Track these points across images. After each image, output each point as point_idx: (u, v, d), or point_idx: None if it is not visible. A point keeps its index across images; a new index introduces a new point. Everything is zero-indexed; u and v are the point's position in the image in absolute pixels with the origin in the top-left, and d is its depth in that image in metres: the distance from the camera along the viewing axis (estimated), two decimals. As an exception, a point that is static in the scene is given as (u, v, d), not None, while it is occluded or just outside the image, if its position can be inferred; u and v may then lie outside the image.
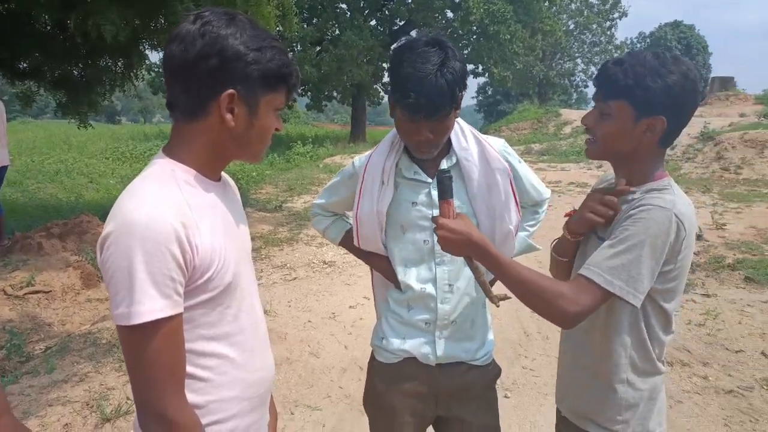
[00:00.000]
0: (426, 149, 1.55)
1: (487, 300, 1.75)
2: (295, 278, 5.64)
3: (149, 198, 0.99)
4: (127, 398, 3.21)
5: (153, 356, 0.97)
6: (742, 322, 4.42)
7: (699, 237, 6.37)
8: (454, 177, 1.59)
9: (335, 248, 6.56)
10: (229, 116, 1.06)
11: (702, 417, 3.18)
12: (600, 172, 13.91)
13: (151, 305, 0.95)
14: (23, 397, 3.23)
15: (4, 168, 5.93)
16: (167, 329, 0.98)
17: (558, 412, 1.61)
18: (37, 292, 4.69)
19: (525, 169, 1.75)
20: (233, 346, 1.13)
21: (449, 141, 1.64)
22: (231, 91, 1.04)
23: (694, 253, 1.36)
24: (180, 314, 1.00)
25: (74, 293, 4.91)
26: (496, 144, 1.69)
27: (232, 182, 1.30)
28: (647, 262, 1.23)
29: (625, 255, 1.23)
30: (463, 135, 1.66)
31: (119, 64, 7.61)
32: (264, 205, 9.29)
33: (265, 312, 4.56)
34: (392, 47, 1.58)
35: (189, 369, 1.06)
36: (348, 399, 3.36)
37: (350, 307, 4.84)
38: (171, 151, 1.11)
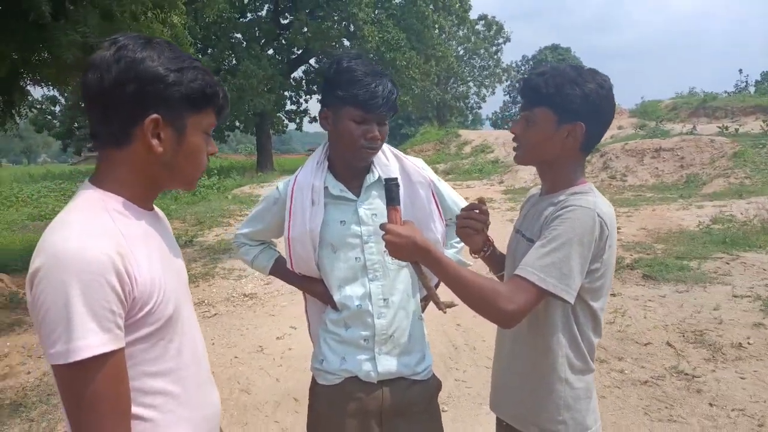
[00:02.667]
0: (372, 150, 1.59)
1: (422, 314, 1.80)
2: (215, 314, 5.41)
3: (80, 228, 0.93)
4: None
5: (96, 395, 0.90)
6: (646, 317, 4.81)
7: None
8: (377, 194, 1.65)
9: (256, 280, 6.39)
10: (155, 142, 1.02)
11: (624, 409, 3.40)
12: (503, 187, 14.71)
13: (91, 340, 0.88)
14: None
15: None
16: (110, 365, 0.91)
17: (498, 419, 1.63)
18: None
19: (445, 187, 1.83)
20: (178, 383, 1.07)
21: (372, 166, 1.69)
22: (155, 115, 1.00)
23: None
24: (122, 349, 0.94)
25: (-37, 354, 4.39)
26: (415, 161, 1.78)
27: (162, 213, 1.25)
28: (576, 259, 1.29)
29: (555, 253, 1.29)
30: (383, 152, 1.73)
31: (-1, 102, 7.02)
32: (172, 241, 8.85)
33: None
34: (331, 62, 1.64)
35: (133, 409, 0.99)
36: (286, 433, 3.26)
37: (277, 338, 4.71)
38: (98, 182, 1.05)
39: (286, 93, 24.71)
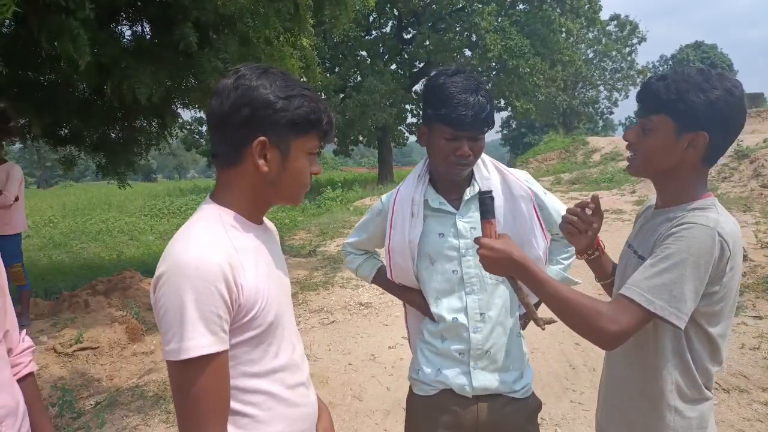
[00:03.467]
0: (464, 166, 1.59)
1: (523, 332, 1.75)
2: (333, 321, 5.65)
3: (198, 240, 1.06)
4: (176, 450, 3.23)
5: (199, 391, 1.01)
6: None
7: (744, 257, 6.16)
8: (475, 207, 1.64)
9: (371, 289, 6.57)
10: (261, 162, 1.13)
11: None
12: (634, 198, 13.70)
13: (199, 341, 1.00)
14: (76, 454, 3.28)
15: (19, 234, 5.53)
16: (214, 365, 1.02)
17: None
18: (85, 348, 4.81)
19: (551, 199, 1.78)
20: (276, 383, 1.17)
21: (472, 172, 1.68)
22: (262, 138, 1.12)
23: (741, 275, 1.33)
24: (226, 351, 1.05)
25: (120, 348, 5.02)
26: (518, 174, 1.74)
27: (272, 227, 1.37)
28: (690, 281, 1.19)
29: (667, 274, 1.20)
30: (485, 165, 1.73)
31: (154, 124, 7.95)
32: (298, 250, 9.41)
33: (306, 356, 4.57)
34: (427, 79, 1.66)
35: (234, 405, 1.10)
36: (394, 441, 3.31)
37: (390, 347, 4.81)
38: (216, 197, 1.18)
39: (407, 106, 25.16)
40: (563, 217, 1.53)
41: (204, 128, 25.86)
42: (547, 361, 4.33)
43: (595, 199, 1.51)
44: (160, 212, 17.16)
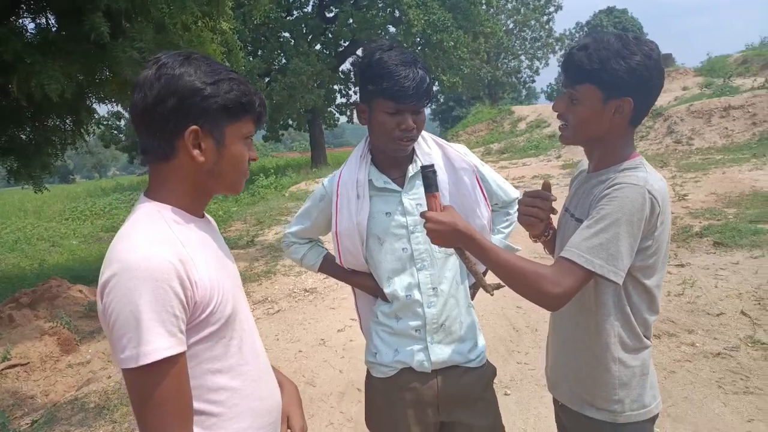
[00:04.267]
0: (409, 141, 1.58)
1: (472, 301, 1.79)
2: (278, 311, 5.57)
3: (143, 239, 1.00)
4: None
5: (162, 396, 0.97)
6: (718, 286, 4.57)
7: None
8: (419, 183, 1.64)
9: (315, 275, 6.52)
10: (197, 152, 1.08)
11: (696, 383, 3.25)
12: (560, 162, 14.25)
13: (158, 344, 0.95)
14: (15, 477, 3.10)
15: None
16: (176, 368, 0.98)
17: (555, 400, 1.62)
18: (14, 365, 4.52)
19: (489, 171, 1.80)
20: (240, 377, 1.14)
21: (413, 149, 1.68)
22: (194, 127, 1.06)
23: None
24: (184, 352, 1.01)
25: (53, 361, 4.75)
26: (458, 148, 1.76)
27: (211, 218, 1.31)
28: (625, 239, 1.25)
29: (603, 234, 1.25)
30: (425, 141, 1.73)
31: (68, 122, 7.46)
32: (235, 242, 9.19)
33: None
34: (361, 57, 1.63)
35: (199, 405, 1.06)
36: (351, 423, 3.33)
37: (339, 330, 4.81)
38: (152, 194, 1.12)
39: (335, 87, 24.90)
40: (521, 208, 1.54)
41: (123, 123, 24.63)
42: (492, 326, 4.47)
43: (548, 186, 1.53)
44: (83, 215, 16.28)
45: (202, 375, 1.07)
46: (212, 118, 1.08)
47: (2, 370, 4.45)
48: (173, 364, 0.98)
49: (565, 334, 1.52)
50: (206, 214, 1.26)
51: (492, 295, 1.46)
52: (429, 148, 1.71)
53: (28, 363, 4.61)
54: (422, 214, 1.39)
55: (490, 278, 1.46)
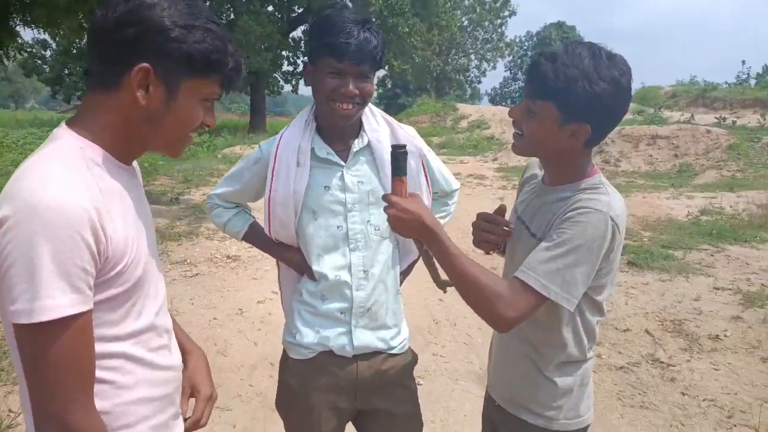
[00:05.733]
0: (347, 108, 1.49)
1: (400, 288, 1.75)
2: (196, 274, 5.36)
3: (56, 177, 0.87)
4: (10, 411, 2.88)
5: (59, 359, 0.86)
6: (627, 303, 4.83)
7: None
8: (366, 159, 1.58)
9: (240, 242, 6.32)
10: (141, 93, 0.96)
11: (599, 393, 3.41)
12: (496, 165, 14.63)
13: (60, 300, 0.84)
14: None
15: None
16: (77, 327, 0.87)
17: (489, 399, 1.62)
18: None
19: (433, 158, 1.76)
20: (138, 345, 1.03)
21: (360, 123, 1.61)
22: (145, 65, 0.94)
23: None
24: (90, 311, 0.89)
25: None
26: (407, 129, 1.69)
27: (137, 168, 1.19)
28: (583, 266, 1.22)
29: (561, 259, 1.21)
30: (374, 117, 1.65)
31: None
32: (158, 197, 8.75)
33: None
34: (315, 15, 1.55)
35: None
36: (260, 397, 3.25)
37: (258, 302, 4.68)
38: (78, 125, 0.99)
39: (283, 53, 24.24)
40: (477, 234, 1.50)
41: (48, 53, 22.81)
42: (412, 315, 4.49)
43: (503, 210, 1.50)
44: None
45: (97, 339, 0.95)
46: (169, 65, 0.96)
47: None
48: (75, 323, 0.86)
49: (508, 340, 1.50)
50: (134, 164, 1.14)
51: (445, 292, 1.42)
52: (378, 124, 1.63)
53: None
54: (385, 197, 1.31)
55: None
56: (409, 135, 1.67)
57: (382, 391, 1.66)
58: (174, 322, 1.33)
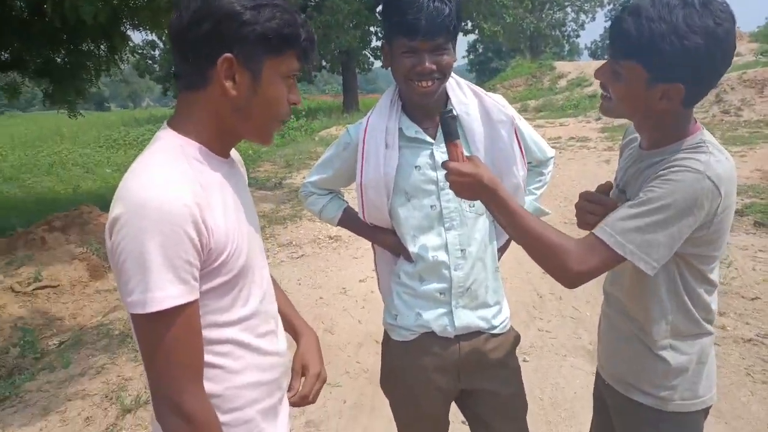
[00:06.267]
0: (428, 86, 1.44)
1: (498, 265, 1.69)
2: (302, 255, 5.60)
3: (160, 176, 0.93)
4: (145, 388, 3.20)
5: (170, 345, 0.93)
6: (755, 269, 4.39)
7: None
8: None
9: (339, 222, 6.51)
10: (229, 83, 0.99)
11: (723, 368, 3.16)
12: (600, 125, 13.78)
13: (168, 291, 0.90)
14: (42, 394, 3.23)
15: None
16: (185, 316, 0.93)
17: (599, 378, 1.55)
18: (45, 287, 4.66)
19: (526, 126, 1.68)
20: (246, 331, 1.09)
21: (446, 96, 1.56)
22: (228, 55, 0.97)
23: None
24: (197, 300, 0.96)
25: (82, 285, 4.88)
26: (496, 98, 1.62)
27: (239, 159, 1.24)
28: (669, 229, 1.12)
29: (643, 218, 1.12)
30: (461, 89, 1.58)
31: (102, 47, 7.43)
32: (263, 183, 9.21)
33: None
34: None
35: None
36: (367, 373, 3.36)
37: (360, 281, 4.81)
38: (176, 125, 1.04)
39: (371, 29, 24.24)
40: (581, 215, 1.40)
41: (157, 53, 24.47)
42: (515, 290, 4.41)
43: (609, 186, 1.40)
44: (116, 143, 16.51)
45: (207, 326, 1.02)
46: (249, 49, 0.98)
47: (33, 290, 4.59)
48: (184, 312, 0.93)
49: (615, 317, 1.43)
50: (234, 154, 1.19)
51: None
52: (465, 96, 1.57)
53: (58, 285, 4.75)
54: (444, 164, 1.28)
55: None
56: (498, 104, 1.59)
57: (485, 372, 1.64)
58: (290, 304, 1.42)
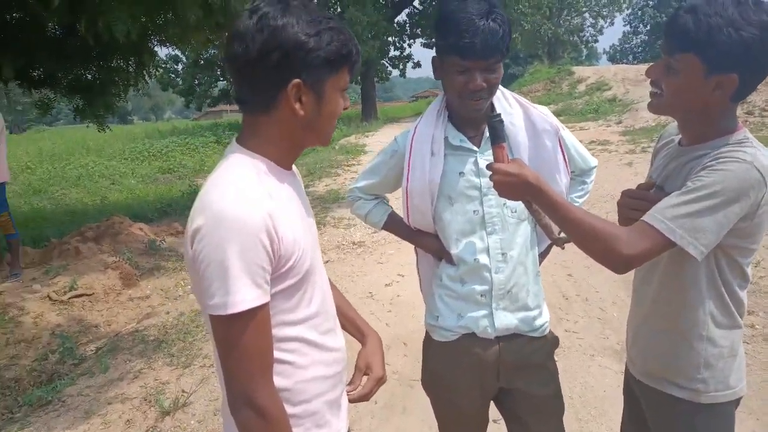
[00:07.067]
0: (479, 100, 1.51)
1: (539, 269, 1.74)
2: (327, 261, 5.67)
3: (235, 190, 1.02)
4: (183, 391, 3.29)
5: (246, 344, 1.01)
6: (785, 268, 4.35)
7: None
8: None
9: (363, 228, 6.58)
10: (298, 105, 1.08)
11: (754, 365, 3.15)
12: (620, 128, 13.68)
13: (245, 295, 0.98)
14: (83, 398, 3.34)
15: (3, 184, 5.40)
16: (259, 318, 1.02)
17: (629, 374, 1.58)
18: (80, 295, 4.80)
19: (569, 136, 1.72)
20: (311, 329, 1.17)
21: (492, 106, 1.62)
22: (297, 81, 1.05)
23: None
24: (268, 303, 1.04)
25: (116, 294, 5.01)
26: (541, 109, 1.67)
27: (297, 171, 1.32)
28: (716, 215, 1.16)
29: (693, 204, 1.16)
30: (506, 99, 1.65)
31: (131, 63, 7.62)
32: (286, 191, 9.31)
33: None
34: (439, 6, 1.55)
35: (274, 353, 1.10)
36: (396, 375, 3.40)
37: (386, 285, 4.87)
38: (246, 142, 1.13)
39: (389, 39, 24.47)
40: (624, 212, 1.43)
41: (180, 66, 24.94)
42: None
43: (651, 185, 1.43)
44: (141, 155, 16.79)
45: (276, 325, 1.10)
46: (314, 72, 1.07)
47: (69, 298, 4.74)
48: (258, 314, 1.01)
49: (648, 309, 1.46)
50: (294, 167, 1.27)
51: (563, 248, 1.41)
52: (510, 107, 1.63)
53: (93, 294, 4.89)
54: (488, 166, 1.33)
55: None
56: (543, 114, 1.65)
57: (524, 373, 1.67)
58: (350, 305, 1.50)
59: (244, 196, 1.01)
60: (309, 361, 1.17)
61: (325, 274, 1.29)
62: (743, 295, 1.34)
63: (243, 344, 1.01)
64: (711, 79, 1.20)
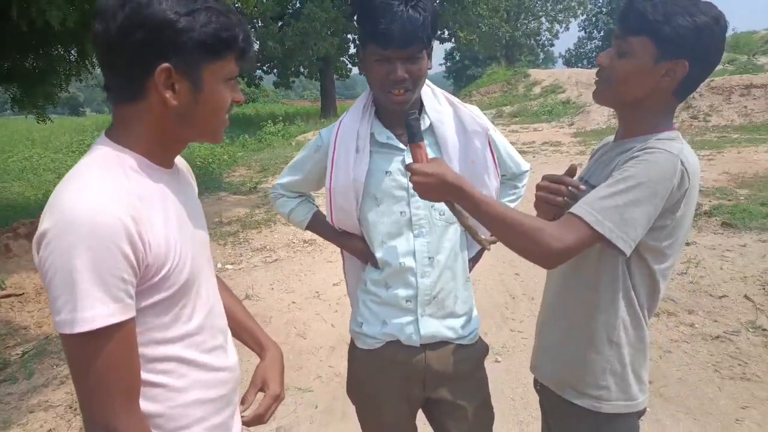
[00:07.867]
0: (403, 93, 1.43)
1: (469, 275, 1.68)
2: (275, 260, 5.54)
3: (93, 188, 0.88)
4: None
5: (102, 367, 0.86)
6: (723, 268, 4.48)
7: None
8: (429, 142, 1.51)
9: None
10: (169, 94, 0.93)
11: (692, 365, 3.21)
12: (572, 130, 13.99)
13: (99, 310, 0.84)
14: (2, 406, 3.13)
15: None
16: (118, 336, 0.87)
17: (535, 381, 1.53)
18: (9, 295, 4.53)
19: (500, 138, 1.66)
20: (190, 348, 1.04)
21: (421, 103, 1.55)
22: (166, 65, 0.91)
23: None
24: (132, 318, 0.90)
25: (48, 294, 4.75)
26: (471, 109, 1.61)
27: (186, 168, 1.18)
28: (644, 207, 1.13)
29: (621, 196, 1.13)
30: (435, 97, 1.57)
31: (72, 52, 7.28)
32: (238, 187, 9.12)
33: (248, 296, 4.49)
34: None
35: (143, 375, 0.96)
36: (339, 378, 3.32)
37: (334, 284, 4.77)
38: (114, 136, 0.99)
39: (349, 36, 24.28)
40: (542, 196, 1.37)
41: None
42: (488, 291, 4.43)
43: (573, 170, 1.38)
44: (88, 148, 16.10)
45: (147, 343, 0.96)
46: (187, 56, 0.93)
47: (-3, 299, 4.46)
48: (117, 332, 0.87)
49: (556, 308, 1.42)
50: (180, 163, 1.14)
51: (489, 249, 1.35)
52: (440, 105, 1.56)
53: (23, 294, 4.62)
54: (407, 167, 1.27)
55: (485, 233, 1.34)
56: (473, 114, 1.59)
57: (451, 383, 1.61)
58: (251, 317, 1.35)
59: (103, 197, 0.87)
60: (187, 383, 1.03)
61: (214, 285, 1.15)
62: (649, 302, 1.30)
63: (99, 367, 0.86)
64: (661, 64, 1.20)
